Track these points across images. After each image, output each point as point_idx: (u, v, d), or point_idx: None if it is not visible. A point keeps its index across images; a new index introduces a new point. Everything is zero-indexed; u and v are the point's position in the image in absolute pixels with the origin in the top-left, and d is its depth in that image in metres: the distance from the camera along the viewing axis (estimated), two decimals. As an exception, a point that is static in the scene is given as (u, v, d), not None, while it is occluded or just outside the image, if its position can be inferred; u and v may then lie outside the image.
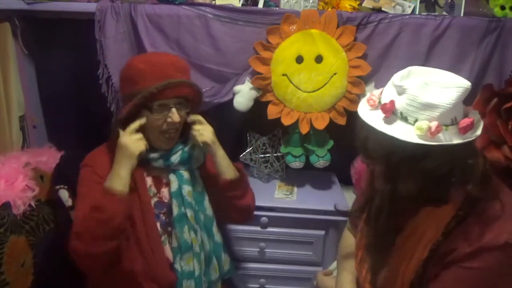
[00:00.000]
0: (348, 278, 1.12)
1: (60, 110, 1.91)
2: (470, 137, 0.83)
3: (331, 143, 1.68)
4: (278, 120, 1.63)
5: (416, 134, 0.81)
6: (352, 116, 1.62)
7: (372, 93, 0.93)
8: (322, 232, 1.61)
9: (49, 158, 1.55)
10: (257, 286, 1.68)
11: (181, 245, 1.22)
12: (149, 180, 1.26)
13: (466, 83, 0.83)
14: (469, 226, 0.84)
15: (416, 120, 0.82)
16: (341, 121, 1.61)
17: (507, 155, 1.33)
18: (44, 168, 1.49)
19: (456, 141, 0.82)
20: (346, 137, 1.69)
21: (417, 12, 1.58)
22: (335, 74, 1.56)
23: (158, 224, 1.24)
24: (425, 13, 1.58)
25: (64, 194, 1.43)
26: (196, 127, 1.26)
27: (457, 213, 0.85)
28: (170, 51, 1.58)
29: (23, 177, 1.37)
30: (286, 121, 1.62)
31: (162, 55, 1.35)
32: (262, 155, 1.80)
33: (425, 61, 1.55)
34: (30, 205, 1.36)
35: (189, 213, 1.24)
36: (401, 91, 0.85)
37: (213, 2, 1.60)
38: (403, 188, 0.89)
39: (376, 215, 0.95)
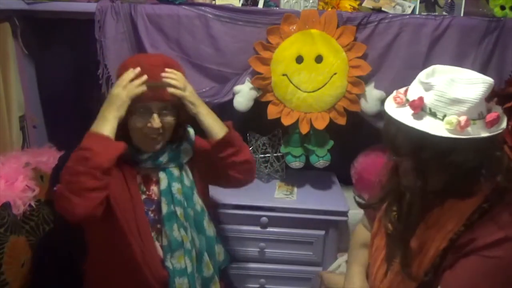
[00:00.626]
0: (359, 270, 1.13)
1: (60, 110, 1.91)
2: (496, 130, 0.85)
3: (331, 143, 1.68)
4: (278, 120, 1.63)
5: (446, 129, 0.83)
6: (352, 116, 1.62)
7: (397, 91, 0.95)
8: (322, 232, 1.61)
9: (49, 158, 1.55)
10: (257, 286, 1.68)
11: (171, 243, 1.21)
12: (138, 178, 1.25)
13: (490, 79, 0.85)
14: (492, 218, 0.86)
15: (444, 116, 0.84)
16: (341, 121, 1.61)
17: (507, 155, 1.33)
18: (44, 168, 1.49)
19: (484, 134, 0.84)
20: (346, 137, 1.71)
21: (417, 12, 1.58)
22: (335, 74, 1.56)
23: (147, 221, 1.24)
24: (425, 13, 1.58)
25: (64, 194, 1.43)
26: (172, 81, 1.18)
27: (480, 206, 0.88)
28: (170, 51, 1.58)
29: (23, 177, 1.36)
30: (286, 121, 1.62)
31: (154, 56, 1.30)
32: (262, 155, 1.80)
33: (425, 61, 1.55)
34: (30, 205, 1.36)
35: (179, 211, 1.23)
36: (428, 87, 0.87)
37: (213, 2, 1.60)
38: (432, 183, 0.91)
39: (408, 210, 0.95)
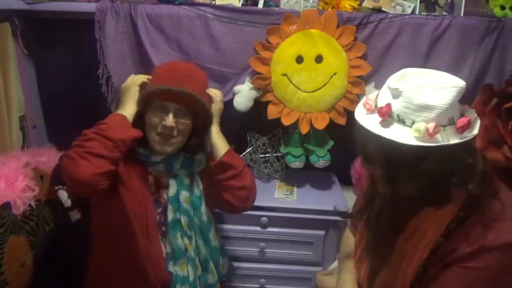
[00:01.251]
0: (350, 278, 1.12)
1: (60, 110, 1.91)
2: (467, 136, 0.83)
3: (331, 143, 1.68)
4: (278, 120, 1.63)
5: (414, 136, 0.81)
6: (352, 116, 1.62)
7: (367, 97, 0.93)
8: (322, 232, 1.61)
9: (49, 158, 1.55)
10: (257, 286, 1.68)
11: (175, 251, 1.22)
12: (150, 178, 1.27)
13: (461, 83, 0.83)
14: (470, 227, 0.85)
15: (413, 122, 0.82)
16: (341, 121, 1.61)
17: (507, 155, 1.33)
18: (44, 168, 1.49)
19: (454, 141, 0.82)
20: (346, 137, 1.70)
21: (417, 12, 1.58)
22: (335, 74, 1.56)
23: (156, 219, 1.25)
24: (425, 13, 1.58)
25: (63, 194, 1.43)
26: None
27: (458, 214, 0.85)
28: (170, 51, 1.58)
29: (23, 177, 1.36)
30: (286, 121, 1.62)
31: (185, 64, 1.39)
32: (262, 155, 1.80)
33: (425, 61, 1.55)
34: (30, 205, 1.35)
35: (183, 219, 1.24)
36: (396, 93, 0.84)
37: (213, 2, 1.60)
38: (404, 191, 0.89)
39: (377, 218, 0.95)
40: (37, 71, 1.86)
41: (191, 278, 1.24)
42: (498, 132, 1.34)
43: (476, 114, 0.87)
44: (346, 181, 1.84)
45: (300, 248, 1.63)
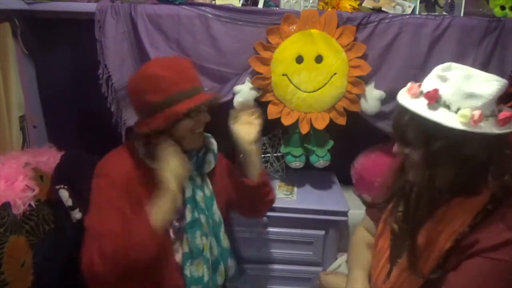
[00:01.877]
0: (361, 275, 1.13)
1: (60, 110, 1.91)
2: (508, 129, 0.86)
3: (331, 143, 1.68)
4: (278, 120, 1.63)
5: (460, 121, 0.84)
6: (352, 116, 1.62)
7: (411, 83, 0.95)
8: (322, 232, 1.61)
9: (49, 158, 1.55)
10: (257, 286, 1.68)
11: (193, 250, 1.21)
12: None
13: (504, 80, 0.87)
14: (496, 220, 0.87)
15: (458, 109, 0.85)
16: (341, 121, 1.61)
17: None
18: (44, 168, 1.49)
19: (496, 131, 0.85)
20: (346, 137, 1.71)
21: (417, 12, 1.58)
22: (335, 74, 1.56)
23: (171, 231, 1.22)
24: (425, 13, 1.58)
25: (64, 194, 1.43)
26: (241, 126, 1.25)
27: (485, 207, 0.88)
28: (170, 51, 1.58)
29: (23, 177, 1.37)
30: (286, 121, 1.62)
31: (178, 58, 1.30)
32: (262, 155, 1.80)
33: (425, 61, 1.55)
34: (30, 205, 1.36)
35: (203, 218, 1.24)
36: (445, 79, 0.88)
37: (213, 2, 1.60)
38: (440, 177, 0.91)
39: (416, 204, 0.95)
40: (37, 71, 1.86)
41: (205, 278, 1.23)
42: (498, 132, 1.34)
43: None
44: (346, 181, 1.84)
45: (300, 248, 1.63)
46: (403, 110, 0.91)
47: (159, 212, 1.06)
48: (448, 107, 0.86)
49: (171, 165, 1.09)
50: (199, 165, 1.27)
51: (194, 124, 1.16)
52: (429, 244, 0.93)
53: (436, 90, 0.87)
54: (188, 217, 1.22)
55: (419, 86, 0.93)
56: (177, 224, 1.24)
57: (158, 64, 1.16)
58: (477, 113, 0.83)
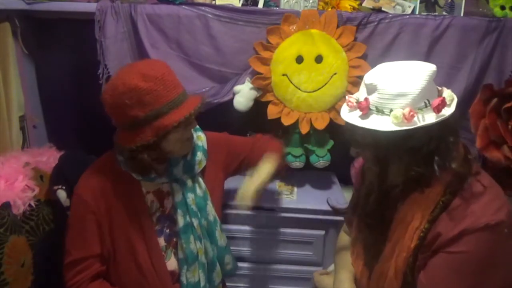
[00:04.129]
0: (347, 276, 1.13)
1: (60, 110, 1.91)
2: (444, 114, 0.89)
3: (331, 143, 1.68)
4: (278, 120, 1.63)
5: (393, 123, 0.87)
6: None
7: (349, 96, 0.99)
8: (322, 232, 1.61)
9: (49, 158, 1.55)
10: (257, 286, 1.68)
11: (187, 256, 1.20)
12: (150, 197, 1.21)
13: (430, 67, 0.91)
14: (452, 211, 0.88)
15: (391, 110, 0.88)
16: (341, 121, 1.59)
17: (507, 155, 1.33)
18: (44, 168, 1.49)
19: (430, 120, 0.87)
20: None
21: (417, 12, 1.59)
22: (335, 74, 1.56)
23: (162, 239, 1.21)
24: (425, 13, 1.58)
25: (62, 194, 1.43)
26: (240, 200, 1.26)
27: (441, 199, 0.90)
28: (170, 51, 1.59)
29: (23, 177, 1.36)
30: (286, 121, 1.62)
31: (156, 63, 1.13)
32: (262, 155, 1.80)
33: (425, 61, 1.53)
34: (30, 205, 1.35)
35: (195, 222, 1.22)
36: (371, 88, 0.91)
37: (213, 2, 1.60)
38: (391, 171, 0.94)
39: (366, 197, 1.00)
40: (37, 71, 1.86)
41: (202, 283, 1.23)
42: (498, 132, 1.35)
43: (453, 95, 0.93)
44: (346, 181, 1.84)
45: (300, 248, 1.63)
46: (346, 122, 0.96)
47: None
48: (382, 111, 0.89)
49: None
50: (188, 168, 1.23)
51: (184, 132, 1.13)
52: (395, 247, 0.94)
53: (366, 100, 0.91)
54: (181, 222, 1.20)
55: (356, 97, 0.97)
56: (167, 230, 1.23)
57: (137, 74, 1.04)
58: (407, 110, 0.86)
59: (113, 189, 1.16)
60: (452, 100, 0.91)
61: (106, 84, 1.09)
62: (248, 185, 1.25)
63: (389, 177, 0.95)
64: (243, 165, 1.40)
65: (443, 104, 0.88)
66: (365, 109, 0.91)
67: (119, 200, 1.16)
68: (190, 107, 1.08)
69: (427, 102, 0.88)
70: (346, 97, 0.99)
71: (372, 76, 0.93)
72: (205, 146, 1.30)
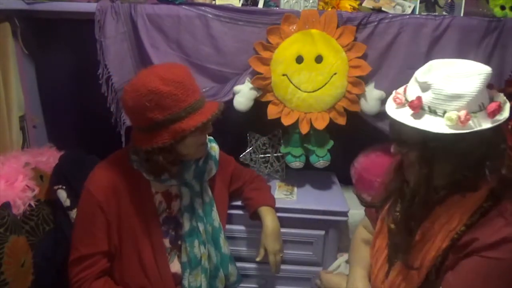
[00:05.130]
0: (361, 273, 1.13)
1: (60, 110, 1.91)
2: (499, 119, 0.86)
3: (331, 143, 1.68)
4: (278, 120, 1.63)
5: (447, 125, 0.84)
6: (352, 116, 1.62)
7: (396, 91, 0.96)
8: (322, 232, 1.61)
9: (49, 158, 1.55)
10: (257, 286, 1.68)
11: (191, 260, 1.21)
12: (158, 197, 1.23)
13: (487, 69, 0.87)
14: (493, 218, 0.87)
15: (445, 112, 0.85)
16: (341, 121, 1.61)
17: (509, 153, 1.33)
18: (44, 168, 1.49)
19: (486, 125, 0.85)
20: (346, 137, 1.71)
21: (417, 12, 1.58)
22: (335, 74, 1.56)
23: (167, 241, 1.22)
24: (425, 13, 1.58)
25: (62, 194, 1.43)
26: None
27: (482, 205, 0.88)
28: (170, 51, 1.58)
29: (23, 177, 1.37)
30: (286, 121, 1.62)
31: (176, 67, 1.14)
32: (262, 155, 1.80)
33: (425, 61, 1.50)
34: (30, 205, 1.36)
35: (201, 227, 1.23)
36: (425, 86, 0.88)
37: (213, 2, 1.60)
38: (438, 174, 0.91)
39: (411, 201, 0.95)
40: (37, 71, 1.86)
41: None
42: (498, 132, 1.34)
43: (505, 98, 0.90)
44: (346, 181, 1.84)
45: (300, 248, 1.62)
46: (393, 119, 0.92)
47: None
48: (434, 112, 0.86)
49: None
50: (199, 173, 1.25)
51: (200, 136, 1.15)
52: (426, 243, 0.93)
53: (419, 99, 0.88)
54: (186, 226, 1.21)
55: (405, 91, 0.94)
56: (173, 233, 1.23)
57: (157, 77, 1.05)
58: (463, 113, 0.83)
59: (123, 187, 1.17)
60: (505, 103, 0.88)
61: (126, 85, 1.10)
62: (271, 247, 1.38)
63: (434, 178, 0.92)
64: (240, 191, 1.48)
65: (498, 109, 0.85)
66: (417, 108, 0.88)
67: (128, 198, 1.17)
68: (208, 112, 1.09)
69: (481, 106, 0.86)
70: (394, 92, 0.96)
71: (426, 74, 0.90)
72: (217, 157, 1.33)
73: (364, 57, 1.56)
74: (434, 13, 1.58)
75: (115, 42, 1.57)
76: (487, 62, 1.55)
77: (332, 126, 1.62)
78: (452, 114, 0.83)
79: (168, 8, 1.56)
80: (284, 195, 1.69)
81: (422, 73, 0.90)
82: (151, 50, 1.57)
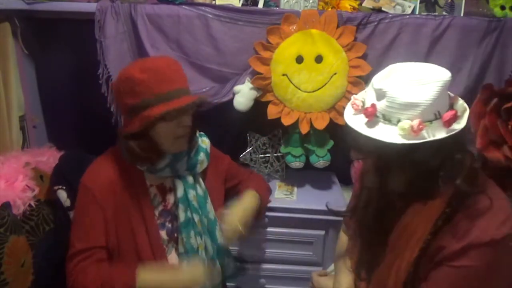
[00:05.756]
0: (347, 278, 1.12)
1: (60, 110, 1.91)
2: (455, 128, 0.84)
3: (331, 143, 1.68)
4: (278, 120, 1.63)
5: (399, 134, 0.83)
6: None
7: (355, 96, 0.94)
8: (322, 232, 1.61)
9: (49, 158, 1.55)
10: (257, 286, 1.68)
11: (188, 250, 1.21)
12: (153, 190, 1.23)
13: (444, 76, 0.84)
14: (457, 223, 0.85)
15: (399, 120, 0.83)
16: (341, 121, 1.61)
17: (507, 155, 1.33)
18: (44, 168, 1.49)
19: (440, 135, 0.83)
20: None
21: (417, 12, 1.59)
22: (335, 74, 1.56)
23: (164, 233, 1.22)
24: (425, 13, 1.58)
25: (62, 194, 1.43)
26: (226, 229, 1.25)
27: (444, 211, 0.86)
28: (170, 51, 1.58)
29: (23, 177, 1.36)
30: (286, 121, 1.62)
31: (160, 59, 1.18)
32: (262, 155, 1.80)
33: (425, 61, 1.52)
34: (30, 205, 1.35)
35: (196, 217, 1.24)
36: (380, 93, 0.85)
37: (213, 2, 1.60)
38: (392, 182, 0.90)
39: (365, 208, 0.96)
40: (37, 71, 1.86)
41: None
42: (498, 132, 1.35)
43: (465, 105, 0.87)
44: (346, 181, 1.84)
45: (300, 248, 1.63)
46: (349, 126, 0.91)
47: (149, 281, 1.11)
48: (388, 120, 0.85)
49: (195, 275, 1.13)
50: (191, 165, 1.26)
51: (174, 128, 1.13)
52: (397, 258, 0.91)
53: (373, 106, 0.86)
54: (182, 217, 1.22)
55: (362, 98, 0.92)
56: (169, 225, 1.24)
57: (137, 65, 1.11)
58: (416, 122, 0.81)
59: (119, 180, 1.17)
60: (464, 111, 0.86)
61: None
62: (232, 220, 1.24)
63: (389, 186, 0.91)
64: (236, 189, 1.44)
65: (454, 118, 0.83)
66: (371, 116, 0.86)
67: (124, 191, 1.17)
68: (182, 102, 1.09)
69: (437, 114, 0.83)
70: (352, 97, 0.94)
71: (382, 80, 0.87)
72: (208, 150, 1.33)
73: (364, 57, 1.56)
74: (434, 13, 1.58)
75: (115, 42, 1.57)
76: (487, 62, 1.55)
77: (332, 126, 1.62)
78: (405, 124, 0.81)
79: (168, 8, 1.56)
80: (284, 195, 1.69)
81: (380, 78, 0.88)
82: (151, 50, 1.57)
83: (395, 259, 0.91)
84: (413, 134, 0.81)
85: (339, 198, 1.69)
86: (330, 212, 1.18)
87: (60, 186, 1.44)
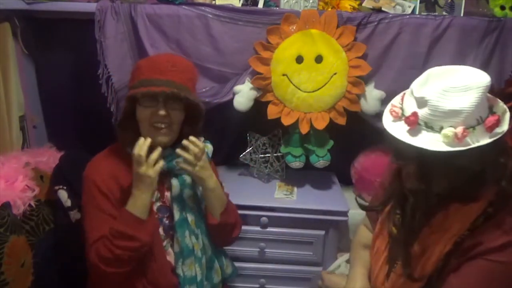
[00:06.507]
0: (361, 271, 1.13)
1: (60, 110, 1.91)
2: (498, 133, 0.84)
3: (331, 143, 1.68)
4: (278, 120, 1.63)
5: (443, 142, 0.82)
6: (352, 116, 1.62)
7: (393, 103, 0.93)
8: (322, 232, 1.61)
9: (49, 158, 1.55)
10: (257, 286, 1.68)
11: (183, 249, 1.21)
12: None
13: (484, 81, 0.83)
14: (498, 222, 0.86)
15: (441, 128, 0.83)
16: (341, 121, 1.61)
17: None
18: (44, 168, 1.49)
19: (484, 141, 0.83)
20: (346, 137, 1.71)
21: (417, 12, 1.59)
22: (335, 74, 1.56)
23: (161, 229, 1.23)
24: (425, 13, 1.58)
25: (63, 194, 1.43)
26: (185, 154, 1.18)
27: (485, 210, 0.87)
28: (170, 51, 1.58)
29: (23, 177, 1.36)
30: (286, 121, 1.62)
31: (166, 54, 1.31)
32: (262, 155, 1.80)
33: (425, 61, 1.55)
34: (30, 205, 1.35)
35: (190, 217, 1.24)
36: (422, 102, 0.85)
37: (213, 2, 1.60)
38: (436, 187, 0.90)
39: (412, 214, 0.94)
40: (37, 71, 1.86)
41: (198, 278, 1.24)
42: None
43: (505, 107, 0.87)
44: (346, 181, 1.84)
45: (300, 248, 1.63)
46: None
47: (139, 203, 1.12)
48: (431, 128, 0.84)
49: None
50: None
51: (150, 115, 1.16)
52: (427, 250, 0.92)
53: (415, 115, 0.85)
54: (176, 216, 1.22)
55: (402, 101, 0.91)
56: (167, 222, 1.24)
57: (150, 56, 1.25)
58: (460, 129, 0.80)
59: (120, 172, 1.19)
60: (504, 113, 0.86)
61: None
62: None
63: (433, 190, 0.91)
64: None
65: (497, 123, 0.83)
66: (413, 124, 0.85)
67: (125, 183, 1.18)
68: (153, 89, 1.13)
69: (479, 119, 0.83)
70: (390, 104, 0.93)
71: (422, 88, 0.86)
72: (210, 155, 1.33)
73: (364, 57, 1.56)
74: (434, 13, 1.58)
75: (115, 42, 1.57)
76: (487, 62, 1.55)
77: (332, 126, 1.62)
78: (448, 131, 0.81)
79: (168, 8, 1.56)
80: (284, 195, 1.69)
81: (419, 85, 0.87)
82: (151, 50, 1.57)
83: (425, 252, 0.92)
84: (457, 141, 0.81)
85: (339, 198, 1.69)
86: (360, 207, 1.17)
87: (61, 186, 1.44)
